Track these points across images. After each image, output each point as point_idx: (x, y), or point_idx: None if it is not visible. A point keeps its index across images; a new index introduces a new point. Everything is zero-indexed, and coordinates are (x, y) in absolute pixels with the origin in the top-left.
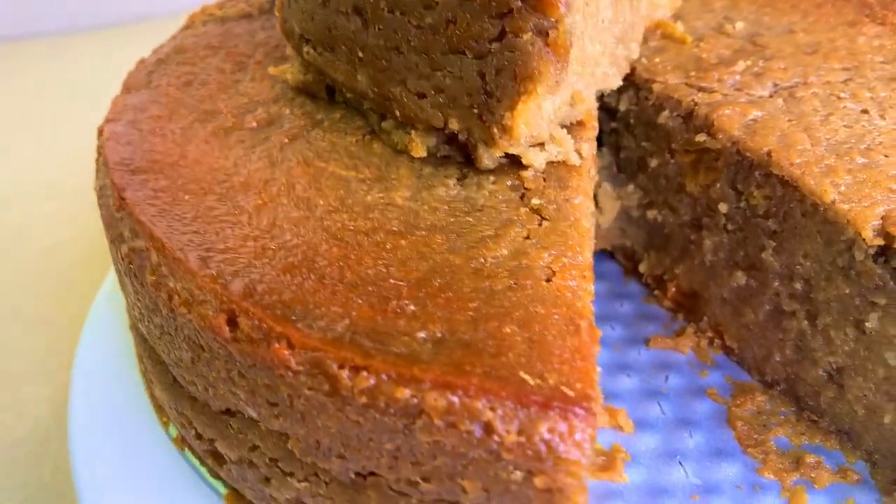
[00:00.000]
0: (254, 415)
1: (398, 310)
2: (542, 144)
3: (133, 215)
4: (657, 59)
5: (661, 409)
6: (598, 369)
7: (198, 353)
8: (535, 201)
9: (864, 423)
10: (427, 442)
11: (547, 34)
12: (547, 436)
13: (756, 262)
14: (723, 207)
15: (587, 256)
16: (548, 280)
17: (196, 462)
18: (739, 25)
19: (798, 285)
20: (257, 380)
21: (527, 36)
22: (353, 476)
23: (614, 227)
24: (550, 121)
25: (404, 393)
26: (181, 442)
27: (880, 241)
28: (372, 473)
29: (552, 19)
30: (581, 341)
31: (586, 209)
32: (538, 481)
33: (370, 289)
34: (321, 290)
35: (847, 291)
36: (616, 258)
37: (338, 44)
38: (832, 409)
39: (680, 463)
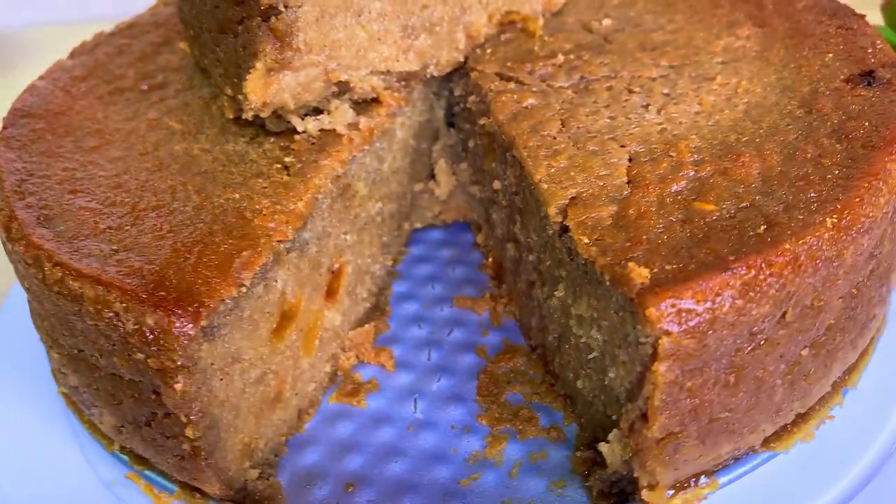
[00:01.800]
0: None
1: (113, 225)
2: (319, 112)
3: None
4: (491, 50)
5: (428, 356)
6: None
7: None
8: (287, 159)
9: (573, 388)
10: (91, 325)
11: (269, 20)
12: (152, 325)
13: (515, 235)
14: (496, 185)
15: (300, 206)
16: (250, 220)
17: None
18: (606, 22)
19: (532, 257)
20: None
21: (255, 21)
22: (75, 352)
23: (463, 201)
24: (297, 93)
25: (73, 286)
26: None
27: (560, 220)
28: (80, 350)
29: (275, 7)
30: (225, 264)
31: (330, 170)
32: (151, 362)
33: (111, 209)
34: (77, 208)
35: (548, 263)
36: (471, 229)
37: (186, 24)
38: (561, 374)
39: (415, 400)
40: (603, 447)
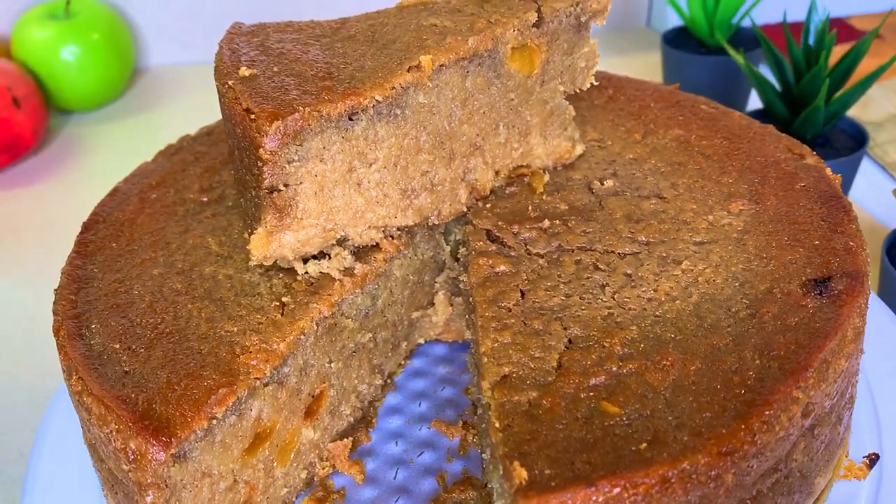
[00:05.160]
0: None
1: (132, 347)
2: (325, 256)
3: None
4: (490, 204)
5: (395, 475)
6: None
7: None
8: (285, 298)
9: None
10: (98, 435)
11: (272, 193)
12: (133, 448)
13: (475, 384)
14: (468, 335)
15: (281, 347)
16: (238, 355)
17: None
18: (608, 183)
19: (480, 411)
20: None
21: (262, 192)
22: (92, 443)
23: (462, 326)
24: (297, 248)
25: (87, 400)
26: None
27: (489, 396)
28: (93, 444)
29: (275, 187)
30: (202, 400)
31: (316, 314)
32: (131, 474)
33: (135, 330)
34: (112, 325)
35: (483, 426)
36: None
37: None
38: None
39: None
40: None
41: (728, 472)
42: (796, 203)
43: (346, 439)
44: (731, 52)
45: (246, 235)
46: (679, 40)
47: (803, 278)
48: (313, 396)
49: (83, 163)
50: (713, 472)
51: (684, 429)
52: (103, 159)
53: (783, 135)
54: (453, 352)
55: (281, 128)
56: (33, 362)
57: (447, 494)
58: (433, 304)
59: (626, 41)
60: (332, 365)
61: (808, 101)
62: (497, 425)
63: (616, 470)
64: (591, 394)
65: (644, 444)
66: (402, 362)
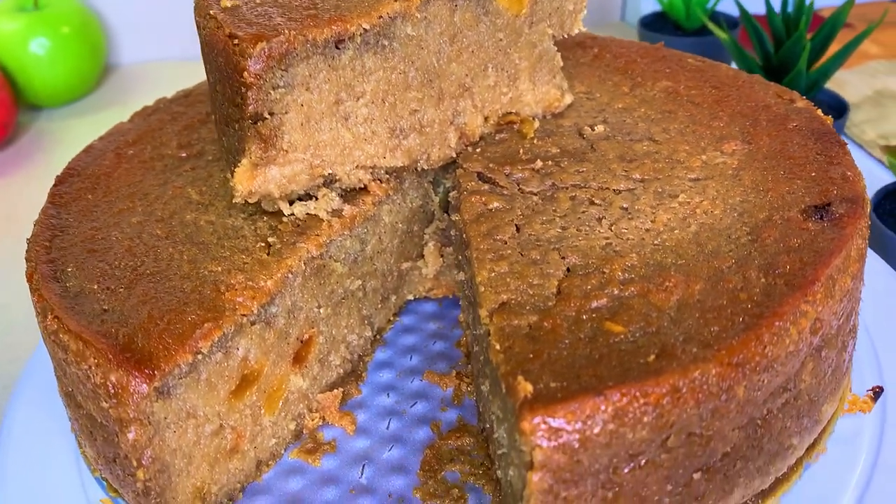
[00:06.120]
0: None
1: (111, 287)
2: (312, 198)
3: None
4: (481, 149)
5: (387, 425)
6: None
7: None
8: (271, 239)
9: (497, 476)
10: (76, 374)
11: (256, 123)
12: (114, 381)
13: (470, 324)
14: (460, 276)
15: (269, 285)
16: (222, 293)
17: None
18: (598, 129)
19: (476, 348)
20: None
21: (246, 122)
22: (69, 390)
23: (452, 279)
24: (283, 184)
25: (63, 337)
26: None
27: (487, 322)
28: (71, 390)
29: (260, 114)
30: (187, 333)
31: (304, 253)
32: (111, 411)
33: (114, 272)
34: (89, 267)
35: (481, 358)
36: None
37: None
38: (496, 459)
39: (363, 466)
40: None
41: (740, 384)
42: (790, 141)
43: (335, 390)
44: (713, 27)
45: (228, 175)
46: (656, 25)
47: (802, 206)
48: (302, 341)
49: (53, 158)
50: (725, 384)
51: (692, 342)
52: (74, 155)
53: (771, 83)
54: (443, 309)
55: (266, 49)
56: (4, 348)
57: (443, 441)
58: (423, 256)
59: (601, 34)
60: (321, 310)
61: (789, 69)
62: (497, 347)
63: (625, 381)
64: (594, 315)
65: (652, 357)
66: (392, 318)
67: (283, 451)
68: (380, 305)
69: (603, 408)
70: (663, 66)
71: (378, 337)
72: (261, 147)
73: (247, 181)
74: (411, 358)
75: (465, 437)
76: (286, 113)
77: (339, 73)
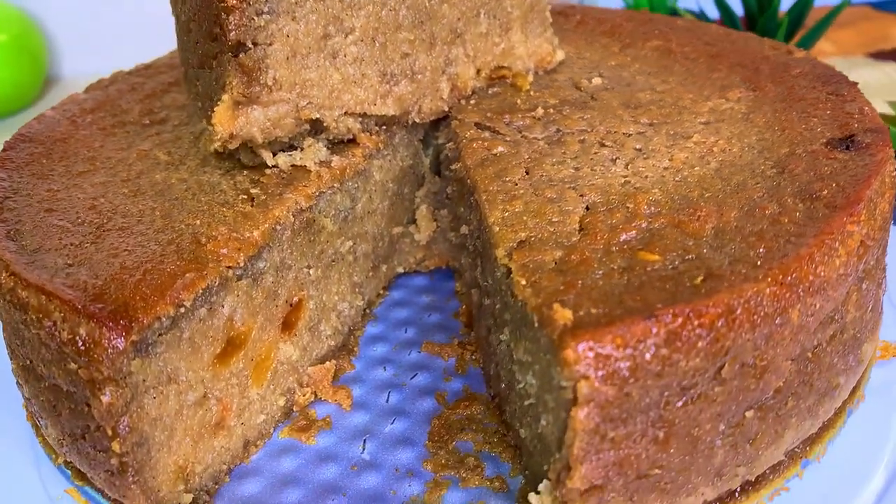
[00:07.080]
0: None
1: (75, 242)
2: (297, 148)
3: None
4: (475, 102)
5: (387, 398)
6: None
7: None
8: (254, 191)
9: (519, 438)
10: (38, 336)
11: (238, 55)
12: (84, 335)
13: (478, 279)
14: (463, 229)
15: (255, 235)
16: (204, 244)
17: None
18: (596, 81)
19: (488, 301)
20: None
21: (226, 56)
22: (27, 363)
23: (445, 248)
24: (266, 127)
25: (22, 294)
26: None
27: (506, 261)
28: (30, 361)
29: (243, 44)
30: (166, 284)
31: (293, 203)
32: (82, 372)
33: (78, 228)
34: (48, 225)
35: (498, 307)
36: (454, 277)
37: (182, 63)
38: (511, 424)
39: (364, 440)
40: (533, 498)
41: (794, 307)
42: (796, 85)
43: (327, 363)
44: (681, 11)
45: (204, 122)
46: None
47: (824, 140)
48: (291, 305)
49: None
50: (780, 304)
51: (740, 263)
52: None
53: (765, 38)
54: (435, 282)
55: None
56: None
57: (451, 411)
58: (414, 222)
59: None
60: (311, 271)
61: None
62: (523, 282)
63: (676, 302)
64: (625, 247)
65: (699, 279)
66: (382, 292)
67: (272, 430)
68: (370, 273)
69: (655, 330)
70: (652, 28)
71: (368, 311)
72: (243, 81)
73: (227, 121)
74: (406, 331)
75: (474, 406)
76: (270, 44)
77: (327, 4)
